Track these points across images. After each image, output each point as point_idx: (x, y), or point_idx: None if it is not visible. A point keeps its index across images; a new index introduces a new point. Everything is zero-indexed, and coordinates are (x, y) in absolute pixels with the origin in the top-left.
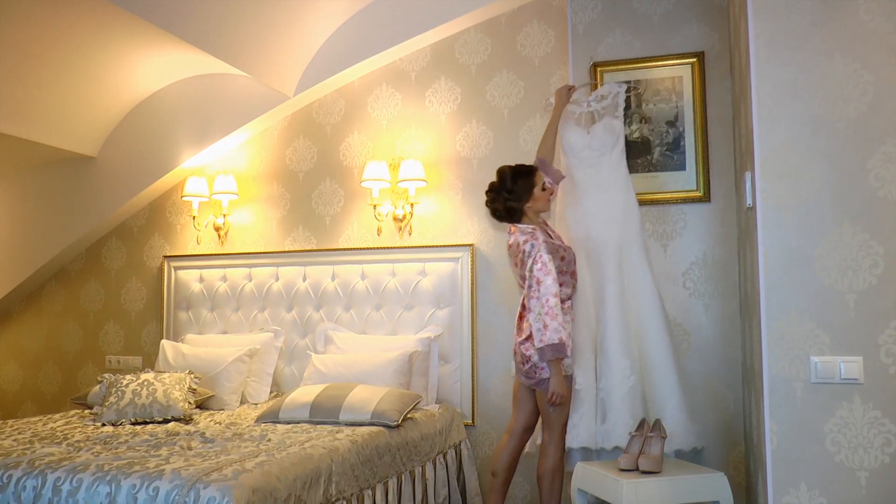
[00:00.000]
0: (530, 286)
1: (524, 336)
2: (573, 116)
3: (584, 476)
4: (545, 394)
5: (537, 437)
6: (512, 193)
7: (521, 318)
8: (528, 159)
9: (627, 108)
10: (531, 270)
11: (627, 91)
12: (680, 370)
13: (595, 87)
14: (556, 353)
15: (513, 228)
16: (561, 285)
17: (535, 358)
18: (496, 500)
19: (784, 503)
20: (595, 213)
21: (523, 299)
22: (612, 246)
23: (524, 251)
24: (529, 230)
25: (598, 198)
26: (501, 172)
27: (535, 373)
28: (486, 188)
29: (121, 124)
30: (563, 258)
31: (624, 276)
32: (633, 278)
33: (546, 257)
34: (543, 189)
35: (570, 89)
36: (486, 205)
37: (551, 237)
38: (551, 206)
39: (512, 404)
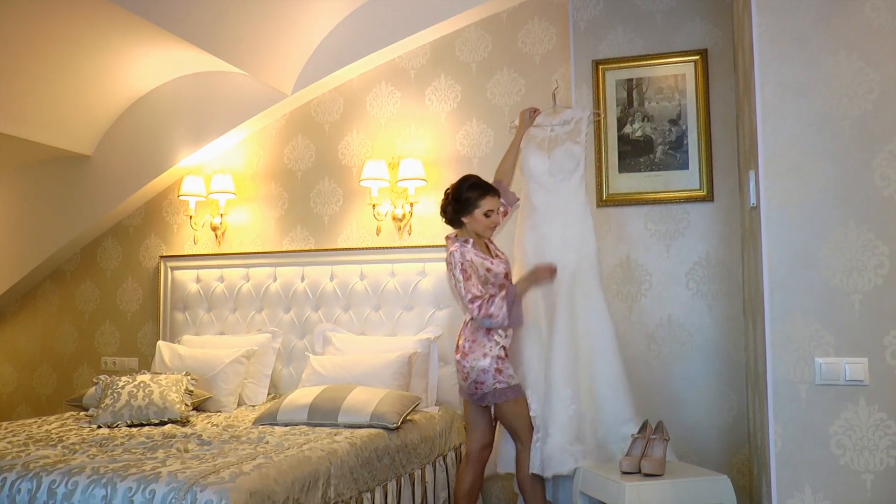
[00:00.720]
0: (462, 296)
1: (461, 353)
2: (535, 140)
3: (585, 479)
4: (500, 405)
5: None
6: (457, 201)
7: (459, 334)
8: None
9: (632, 119)
10: (456, 280)
11: (591, 116)
12: (634, 400)
13: (559, 110)
14: (511, 304)
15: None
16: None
17: (475, 374)
18: None
19: None
20: (551, 238)
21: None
22: (567, 273)
23: (448, 262)
24: (460, 240)
25: (556, 224)
26: (464, 177)
27: (477, 388)
28: None
29: (116, 122)
30: (489, 269)
31: (576, 305)
32: (586, 307)
33: (464, 265)
34: (486, 216)
35: (533, 112)
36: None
37: (489, 252)
38: (496, 231)
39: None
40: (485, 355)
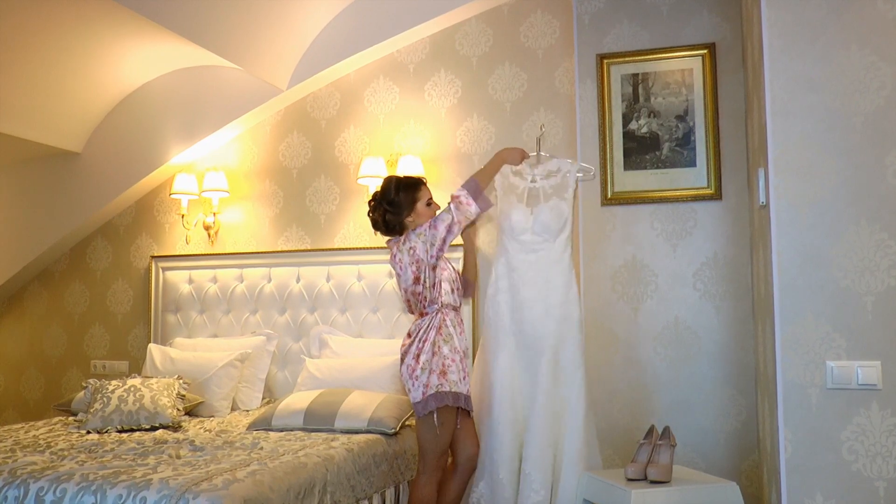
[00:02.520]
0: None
1: (401, 359)
2: (516, 192)
3: (590, 486)
4: (421, 419)
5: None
6: (392, 205)
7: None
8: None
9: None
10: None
11: (578, 172)
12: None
13: (544, 159)
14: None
15: (390, 244)
16: (453, 291)
17: (407, 382)
18: None
19: None
20: (532, 305)
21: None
22: (548, 344)
23: (416, 258)
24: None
25: (537, 289)
26: (386, 181)
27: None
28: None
29: (106, 119)
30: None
31: (559, 382)
32: (566, 385)
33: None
34: (428, 205)
35: (524, 155)
36: (367, 214)
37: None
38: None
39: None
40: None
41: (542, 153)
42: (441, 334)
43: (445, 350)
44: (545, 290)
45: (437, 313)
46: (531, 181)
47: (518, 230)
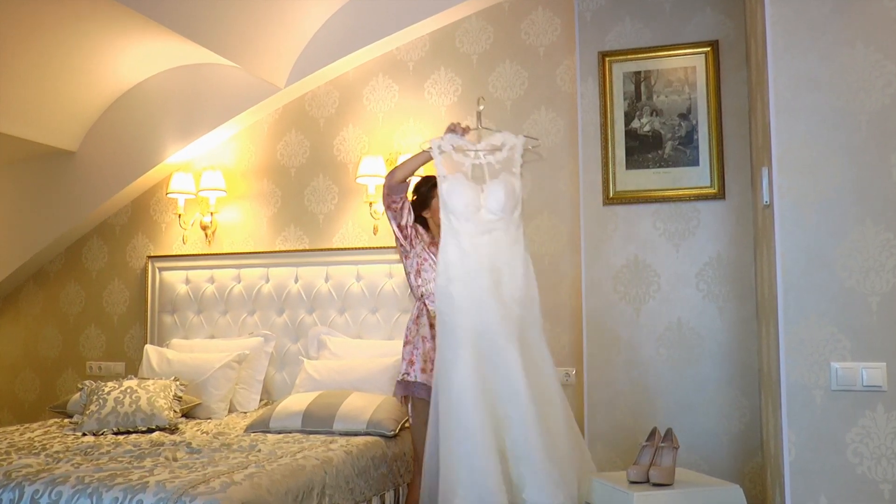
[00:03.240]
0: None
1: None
2: (461, 169)
3: (591, 488)
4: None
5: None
6: (417, 196)
7: None
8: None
9: (640, 113)
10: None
11: (525, 144)
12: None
13: (486, 133)
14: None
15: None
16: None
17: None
18: None
19: None
20: (494, 293)
21: None
22: (514, 334)
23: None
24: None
25: (497, 274)
26: (423, 177)
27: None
28: None
29: (102, 117)
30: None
31: (530, 369)
32: (538, 373)
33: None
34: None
35: (465, 130)
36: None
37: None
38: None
39: None
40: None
41: (484, 126)
42: (417, 324)
43: (417, 340)
44: (507, 274)
45: (416, 303)
46: (475, 158)
47: (471, 210)
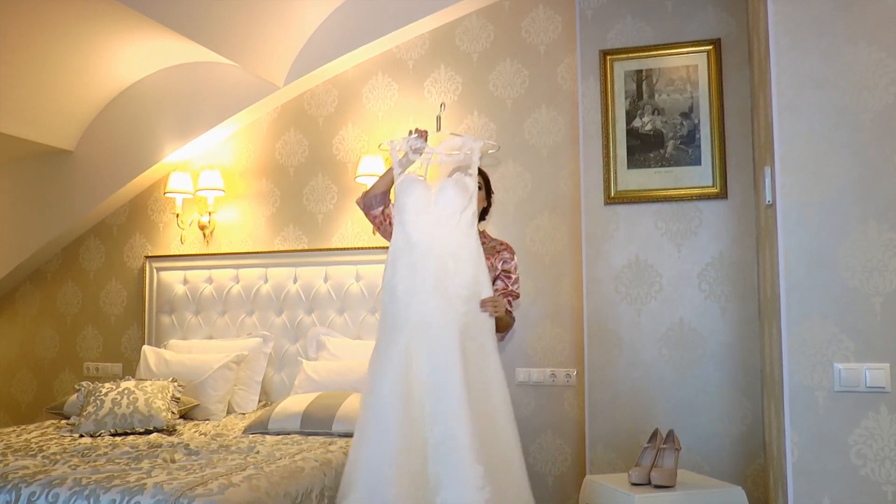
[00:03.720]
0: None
1: None
2: (415, 168)
3: (591, 490)
4: None
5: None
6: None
7: None
8: (534, 152)
9: (642, 112)
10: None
11: (483, 148)
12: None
13: (445, 137)
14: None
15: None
16: None
17: None
18: None
19: None
20: (437, 285)
21: None
22: (456, 328)
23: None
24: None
25: (442, 267)
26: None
27: None
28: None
29: (99, 116)
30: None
31: (470, 366)
32: (483, 369)
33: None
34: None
35: (421, 134)
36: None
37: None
38: None
39: None
40: None
41: (445, 131)
42: None
43: None
44: (452, 269)
45: None
46: (430, 159)
47: (420, 205)
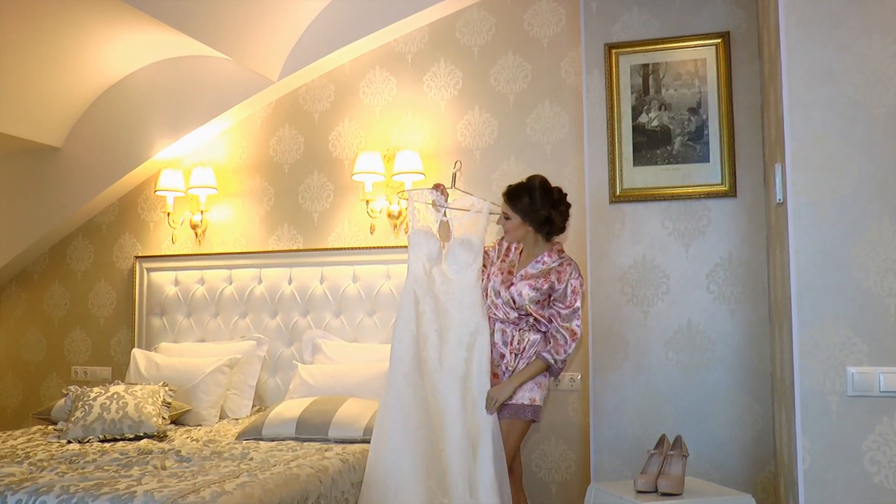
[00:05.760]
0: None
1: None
2: (429, 223)
3: (596, 498)
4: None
5: None
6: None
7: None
8: (536, 150)
9: (648, 108)
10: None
11: (490, 210)
12: None
13: (458, 194)
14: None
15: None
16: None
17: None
18: None
19: None
20: (442, 334)
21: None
22: (458, 375)
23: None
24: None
25: (448, 318)
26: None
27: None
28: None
29: (88, 112)
30: None
31: (467, 411)
32: (473, 418)
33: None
34: (507, 218)
35: (441, 189)
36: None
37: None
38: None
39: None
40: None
41: (459, 189)
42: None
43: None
44: (457, 318)
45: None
46: (444, 215)
47: (431, 262)
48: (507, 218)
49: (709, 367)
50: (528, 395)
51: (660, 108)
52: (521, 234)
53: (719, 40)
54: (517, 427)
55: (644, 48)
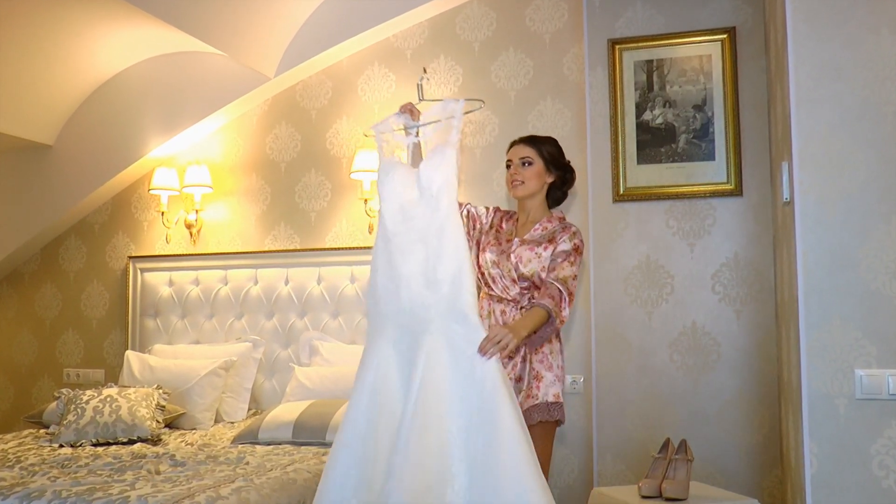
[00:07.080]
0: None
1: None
2: (398, 151)
3: (600, 503)
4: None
5: None
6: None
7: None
8: None
9: (652, 105)
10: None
11: (463, 107)
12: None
13: (427, 105)
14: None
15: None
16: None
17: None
18: None
19: None
20: (412, 280)
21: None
22: (435, 325)
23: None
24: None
25: (418, 256)
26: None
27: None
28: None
29: (80, 109)
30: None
31: (459, 361)
32: (471, 378)
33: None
34: (507, 166)
35: (405, 107)
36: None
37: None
38: (519, 190)
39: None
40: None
41: (425, 99)
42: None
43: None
44: (433, 254)
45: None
46: (416, 135)
47: (399, 191)
48: (528, 163)
49: (714, 369)
50: (552, 390)
51: (664, 105)
52: (537, 188)
53: (725, 36)
54: (549, 430)
55: (648, 44)
